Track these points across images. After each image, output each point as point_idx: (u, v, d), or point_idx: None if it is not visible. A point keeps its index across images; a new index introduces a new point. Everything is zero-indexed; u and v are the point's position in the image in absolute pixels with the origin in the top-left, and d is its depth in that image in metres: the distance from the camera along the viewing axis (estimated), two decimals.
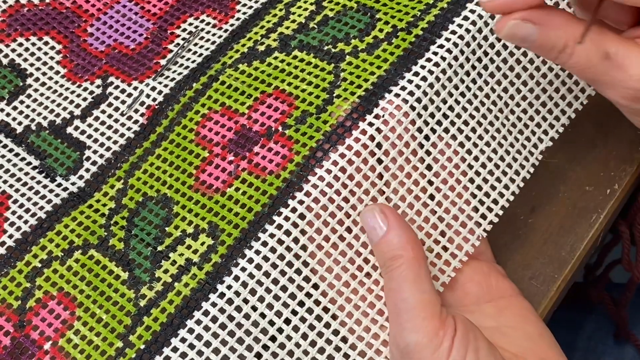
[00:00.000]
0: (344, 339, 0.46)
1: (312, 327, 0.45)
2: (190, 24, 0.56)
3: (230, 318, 0.44)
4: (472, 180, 0.49)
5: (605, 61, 0.43)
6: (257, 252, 0.45)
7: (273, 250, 0.45)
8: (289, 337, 0.45)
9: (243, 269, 0.45)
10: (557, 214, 0.56)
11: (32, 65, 0.56)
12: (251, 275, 0.45)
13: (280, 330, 0.44)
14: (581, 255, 0.55)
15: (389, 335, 0.46)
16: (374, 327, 0.46)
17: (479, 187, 0.49)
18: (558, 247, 0.55)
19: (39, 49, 0.57)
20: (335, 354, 0.45)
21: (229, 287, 0.45)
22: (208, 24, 0.56)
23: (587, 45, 0.42)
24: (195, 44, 0.55)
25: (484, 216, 0.49)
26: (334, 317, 0.46)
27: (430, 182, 0.48)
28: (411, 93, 0.47)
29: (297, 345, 0.45)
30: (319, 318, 0.45)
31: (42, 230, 0.50)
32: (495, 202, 0.49)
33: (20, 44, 0.57)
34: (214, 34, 0.55)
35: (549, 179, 0.57)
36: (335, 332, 0.46)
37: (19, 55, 0.57)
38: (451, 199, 0.48)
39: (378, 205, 0.46)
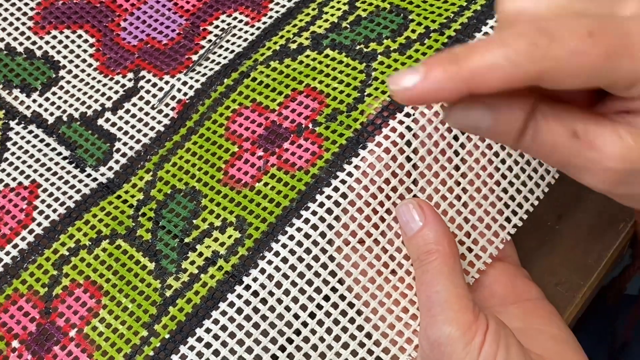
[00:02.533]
0: (368, 335, 0.46)
1: (336, 321, 0.45)
2: (223, 21, 0.57)
3: (256, 310, 0.45)
4: (498, 183, 0.49)
5: (574, 141, 0.36)
6: (284, 246, 0.45)
7: (300, 243, 0.45)
8: (313, 331, 0.45)
9: (269, 262, 0.45)
10: (585, 221, 0.56)
11: (65, 57, 0.57)
12: (277, 268, 0.45)
13: (304, 324, 0.45)
14: (608, 263, 0.55)
15: (419, 329, 0.45)
16: (399, 324, 0.46)
17: (505, 190, 0.49)
18: (585, 254, 0.55)
19: (73, 41, 0.57)
20: (359, 349, 0.45)
21: (255, 279, 0.45)
22: (240, 21, 0.56)
23: (550, 125, 0.36)
24: (227, 41, 0.56)
25: (508, 219, 0.49)
26: (359, 312, 0.46)
27: (457, 183, 0.48)
28: None
29: (322, 339, 0.45)
30: (344, 313, 0.45)
31: (71, 220, 0.50)
32: (520, 205, 0.49)
33: (54, 37, 0.58)
34: (246, 31, 0.56)
35: (577, 186, 0.56)
36: (360, 328, 0.46)
37: (53, 47, 0.57)
38: (477, 201, 0.48)
39: (415, 200, 0.46)
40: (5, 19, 0.58)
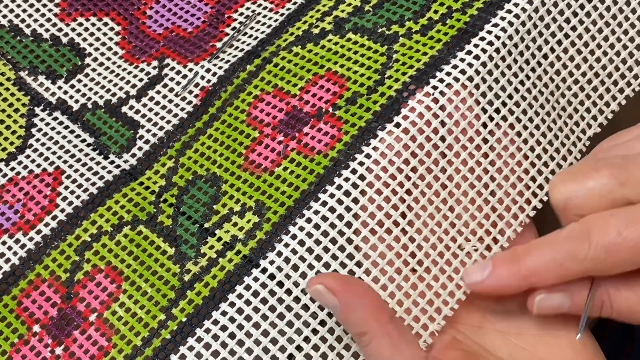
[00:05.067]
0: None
1: None
2: (248, 8, 0.57)
3: (272, 293, 0.44)
4: (520, 164, 0.48)
5: None
6: (301, 229, 0.45)
7: (317, 226, 0.45)
8: (330, 315, 0.44)
9: (286, 245, 0.45)
10: None
11: (91, 45, 0.57)
12: (294, 251, 0.45)
13: (321, 307, 0.44)
14: None
15: (435, 314, 0.45)
16: (415, 309, 0.45)
17: (526, 171, 0.48)
18: None
19: (99, 29, 0.58)
20: None
21: (272, 262, 0.45)
22: (265, 8, 0.56)
23: (622, 295, 0.42)
24: (252, 28, 0.55)
25: (528, 201, 0.48)
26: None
27: (479, 163, 0.47)
28: (463, 71, 0.47)
29: (338, 323, 0.45)
30: None
31: (94, 206, 0.50)
32: (541, 187, 0.48)
33: (80, 24, 0.58)
34: (270, 18, 0.55)
35: None
36: None
37: (79, 34, 0.57)
38: (498, 182, 0.47)
39: (321, 279, 0.43)
40: (31, 5, 0.58)
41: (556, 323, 0.47)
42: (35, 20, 0.58)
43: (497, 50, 0.47)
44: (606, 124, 0.51)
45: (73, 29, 0.58)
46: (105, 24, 0.58)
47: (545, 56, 0.49)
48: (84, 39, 0.57)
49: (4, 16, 0.58)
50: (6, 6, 0.58)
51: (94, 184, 0.51)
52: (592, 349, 0.46)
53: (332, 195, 0.45)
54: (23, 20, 0.58)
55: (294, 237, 0.45)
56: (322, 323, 0.44)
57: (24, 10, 0.58)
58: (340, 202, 0.45)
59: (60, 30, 0.58)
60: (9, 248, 0.50)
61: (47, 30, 0.58)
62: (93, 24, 0.58)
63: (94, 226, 0.50)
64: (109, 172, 0.52)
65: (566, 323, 0.47)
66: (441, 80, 0.47)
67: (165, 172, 0.51)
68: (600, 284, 0.42)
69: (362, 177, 0.45)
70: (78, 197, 0.51)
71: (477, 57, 0.47)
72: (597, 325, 0.52)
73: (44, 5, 0.58)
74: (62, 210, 0.51)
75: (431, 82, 0.47)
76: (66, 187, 0.51)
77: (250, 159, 0.49)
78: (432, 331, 0.45)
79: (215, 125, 0.51)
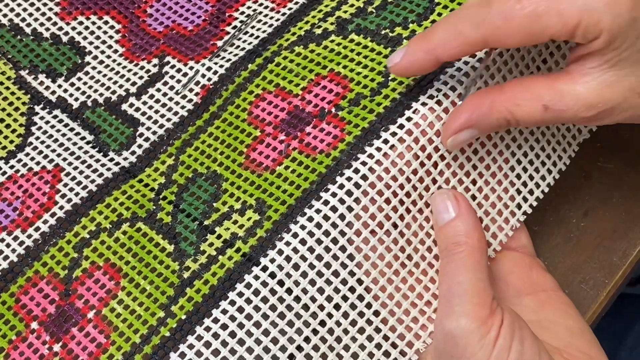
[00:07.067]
0: (384, 321, 0.45)
1: (353, 306, 0.45)
2: (249, 7, 0.57)
3: (273, 292, 0.44)
4: (512, 168, 0.49)
5: (547, 113, 0.43)
6: (303, 227, 0.45)
7: (318, 225, 0.45)
8: (330, 315, 0.44)
9: (287, 243, 0.45)
10: (611, 219, 0.55)
11: (91, 43, 0.57)
12: (295, 250, 0.44)
13: (321, 307, 0.44)
14: (633, 262, 0.54)
15: (434, 316, 0.45)
16: (414, 310, 0.45)
17: (519, 176, 0.49)
18: (610, 252, 0.54)
19: (99, 27, 0.57)
20: (375, 334, 0.45)
21: (272, 260, 0.44)
22: (266, 7, 0.56)
23: (525, 105, 0.43)
24: (253, 27, 0.55)
25: (519, 206, 0.49)
26: (376, 297, 0.45)
27: (475, 167, 0.48)
28: (467, 74, 0.47)
29: (338, 323, 0.44)
30: (360, 297, 0.45)
31: (92, 203, 0.50)
32: (531, 192, 0.49)
33: (81, 22, 0.58)
34: (271, 17, 0.55)
35: (603, 183, 0.56)
36: (376, 313, 0.45)
37: (79, 33, 0.57)
38: (491, 186, 0.48)
39: (451, 191, 0.46)
40: (32, 4, 0.58)
41: (553, 309, 0.48)
42: (36, 19, 0.58)
43: (501, 54, 0.47)
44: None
45: (73, 28, 0.57)
46: (106, 22, 0.58)
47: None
48: (84, 38, 0.57)
49: (5, 15, 0.58)
50: (7, 5, 0.58)
51: (93, 181, 0.51)
52: (588, 336, 0.47)
53: (334, 194, 0.45)
54: (23, 20, 0.58)
55: (295, 235, 0.45)
56: (322, 323, 0.44)
57: (25, 9, 0.58)
58: (342, 201, 0.45)
59: (60, 29, 0.57)
60: (7, 245, 0.50)
61: (47, 29, 0.58)
62: (93, 23, 0.58)
63: (92, 223, 0.49)
64: (109, 169, 0.52)
65: (561, 308, 0.47)
66: (445, 83, 0.47)
67: (165, 169, 0.51)
68: (500, 103, 0.44)
69: (364, 177, 0.45)
70: (77, 194, 0.51)
71: (480, 60, 0.47)
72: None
73: (45, 4, 0.58)
74: (61, 208, 0.50)
75: (435, 84, 0.47)
76: (65, 185, 0.51)
77: (252, 158, 0.49)
78: (431, 331, 0.45)
79: (216, 124, 0.51)
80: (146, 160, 0.52)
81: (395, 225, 0.46)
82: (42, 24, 0.58)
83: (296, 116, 0.49)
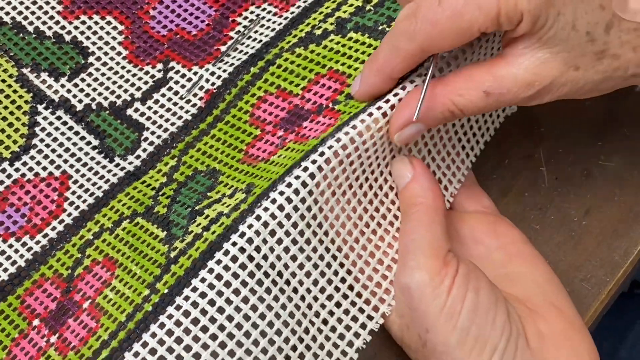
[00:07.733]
0: (351, 287, 0.46)
1: (322, 274, 0.45)
2: (252, 12, 0.57)
3: (250, 258, 0.43)
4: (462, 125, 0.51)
5: (489, 98, 0.45)
6: (281, 193, 0.44)
7: (297, 192, 0.44)
8: (300, 282, 0.45)
9: (265, 209, 0.44)
10: (612, 217, 0.55)
11: (94, 44, 0.57)
12: (273, 216, 0.44)
13: (293, 275, 0.45)
14: (634, 260, 0.54)
15: (394, 277, 0.46)
16: (381, 268, 0.47)
17: (465, 132, 0.52)
18: (611, 250, 0.55)
19: (102, 28, 0.57)
20: (343, 301, 0.46)
21: (250, 226, 0.44)
22: (269, 12, 0.56)
23: (468, 94, 0.45)
24: (255, 31, 0.55)
25: (467, 155, 0.52)
26: (341, 265, 0.46)
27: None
28: (456, 56, 0.48)
29: (308, 290, 0.45)
30: (329, 265, 0.46)
31: (98, 207, 0.51)
32: (477, 142, 0.52)
33: (83, 22, 0.57)
34: (274, 22, 0.55)
35: (605, 182, 0.56)
36: (343, 280, 0.46)
37: (82, 33, 0.57)
38: (443, 142, 0.51)
39: (407, 156, 0.48)
40: (34, 2, 0.58)
41: (521, 261, 0.49)
42: (38, 18, 0.58)
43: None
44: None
45: (76, 27, 0.57)
46: (109, 23, 0.57)
47: None
48: (87, 38, 0.57)
49: (7, 13, 0.58)
50: (9, 3, 0.58)
51: (99, 187, 0.52)
52: (554, 286, 0.48)
53: (314, 162, 0.45)
54: (26, 18, 0.58)
55: (273, 201, 0.44)
56: (295, 290, 0.45)
57: (27, 8, 0.58)
58: (320, 169, 0.45)
59: (63, 28, 0.57)
60: (16, 251, 0.50)
61: (49, 27, 0.57)
62: (96, 22, 0.57)
63: (97, 225, 0.50)
64: (114, 174, 0.52)
65: (528, 260, 0.49)
66: (441, 70, 0.48)
67: (168, 170, 0.51)
68: (443, 95, 0.45)
69: (344, 147, 0.45)
70: (85, 201, 0.51)
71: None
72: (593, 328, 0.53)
73: (47, 3, 0.58)
74: (69, 215, 0.51)
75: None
76: (73, 192, 0.52)
77: (250, 153, 0.49)
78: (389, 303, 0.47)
79: (219, 126, 0.52)
80: (150, 163, 0.52)
81: (365, 194, 0.47)
82: (44, 22, 0.57)
83: (295, 114, 0.50)
